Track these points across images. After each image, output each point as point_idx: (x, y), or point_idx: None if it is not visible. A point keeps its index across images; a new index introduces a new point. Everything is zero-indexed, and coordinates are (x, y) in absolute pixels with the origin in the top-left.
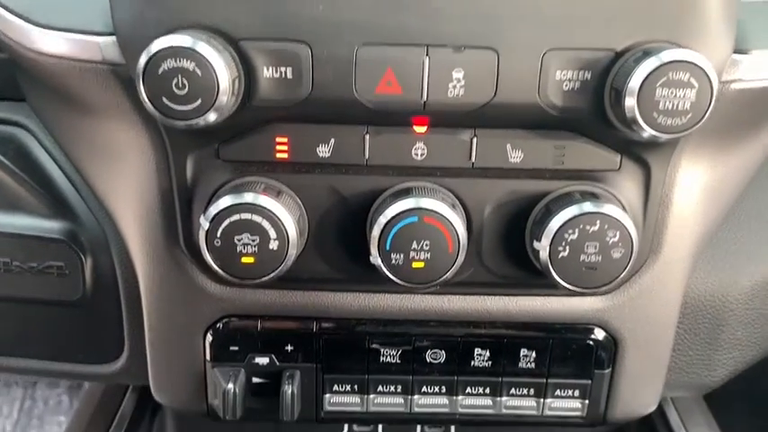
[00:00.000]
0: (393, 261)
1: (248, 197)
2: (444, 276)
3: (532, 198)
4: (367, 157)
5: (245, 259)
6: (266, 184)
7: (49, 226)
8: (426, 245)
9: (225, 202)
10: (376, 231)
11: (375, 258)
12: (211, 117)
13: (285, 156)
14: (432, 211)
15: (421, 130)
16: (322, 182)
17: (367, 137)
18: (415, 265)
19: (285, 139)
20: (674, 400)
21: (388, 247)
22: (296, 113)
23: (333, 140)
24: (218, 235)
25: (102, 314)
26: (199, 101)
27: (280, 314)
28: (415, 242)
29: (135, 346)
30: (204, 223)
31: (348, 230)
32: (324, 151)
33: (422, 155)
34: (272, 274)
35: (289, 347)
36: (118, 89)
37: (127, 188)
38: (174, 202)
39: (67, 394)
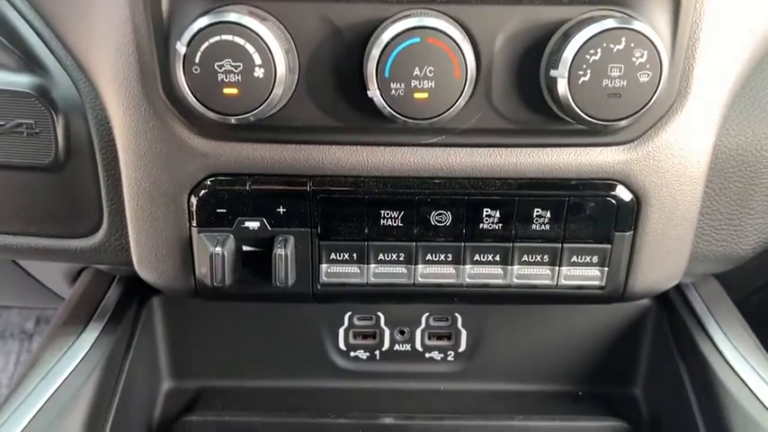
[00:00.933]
0: (393, 92)
1: (230, 16)
2: (450, 110)
3: (549, 27)
4: None
5: (227, 90)
6: (251, 9)
7: (17, 80)
8: (430, 71)
9: (203, 21)
10: (374, 56)
11: (373, 91)
12: None
13: None
14: (436, 30)
15: None
16: (313, 11)
17: None
18: (417, 95)
19: None
20: (695, 286)
21: (387, 74)
22: None
23: None
24: (197, 60)
25: (77, 180)
26: None
27: (270, 172)
28: (417, 68)
29: (114, 216)
30: (181, 48)
31: (343, 68)
32: None
33: None
34: (257, 109)
35: (281, 209)
36: None
37: (97, 30)
38: (150, 41)
39: None
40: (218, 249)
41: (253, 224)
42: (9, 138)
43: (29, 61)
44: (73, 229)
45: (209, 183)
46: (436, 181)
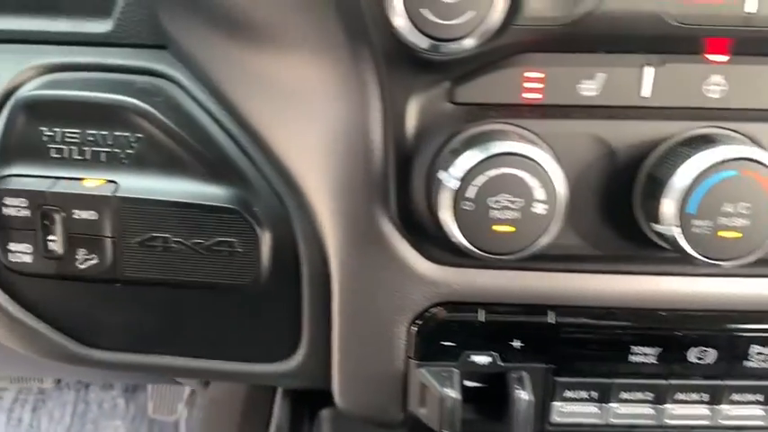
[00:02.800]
0: (695, 229)
1: (510, 146)
2: (761, 249)
3: None
4: (647, 95)
5: (498, 227)
6: (519, 133)
7: (216, 193)
8: (745, 208)
9: (479, 154)
10: (677, 188)
11: (668, 227)
12: (469, 42)
13: (538, 96)
14: (755, 161)
15: (719, 59)
16: (584, 129)
17: (648, 69)
18: (723, 234)
19: (540, 75)
20: None
21: (693, 210)
22: (558, 39)
23: (602, 75)
24: (471, 197)
25: (277, 301)
26: (470, 14)
27: (507, 301)
28: (729, 204)
29: (315, 340)
30: (451, 181)
31: (613, 193)
32: (589, 89)
33: (720, 92)
34: (530, 248)
35: (517, 343)
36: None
37: (317, 144)
38: (384, 159)
39: (123, 397)
40: (450, 392)
41: (482, 359)
42: (207, 255)
43: (225, 169)
44: (265, 352)
45: (435, 311)
46: (699, 313)
